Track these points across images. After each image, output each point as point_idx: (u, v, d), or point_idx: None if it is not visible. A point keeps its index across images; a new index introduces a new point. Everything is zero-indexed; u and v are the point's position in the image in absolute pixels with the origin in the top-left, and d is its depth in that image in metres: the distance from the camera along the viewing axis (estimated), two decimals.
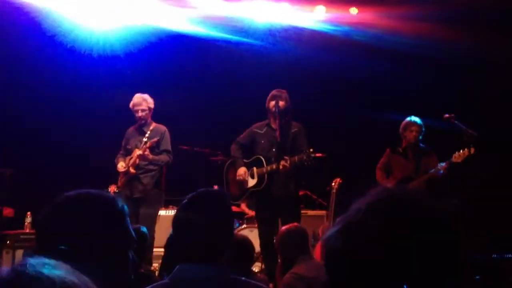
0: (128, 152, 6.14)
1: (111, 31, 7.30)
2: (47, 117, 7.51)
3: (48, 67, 7.26)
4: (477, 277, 5.28)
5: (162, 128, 6.18)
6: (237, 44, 7.55)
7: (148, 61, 7.56)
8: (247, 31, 7.55)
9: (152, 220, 5.98)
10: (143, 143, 6.05)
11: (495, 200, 6.55)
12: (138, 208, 6.02)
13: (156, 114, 6.29)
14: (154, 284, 2.01)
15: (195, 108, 7.77)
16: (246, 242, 3.78)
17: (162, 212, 7.28)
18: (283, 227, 4.02)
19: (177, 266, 1.97)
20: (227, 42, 7.52)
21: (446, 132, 5.90)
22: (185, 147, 7.42)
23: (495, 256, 5.79)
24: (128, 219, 1.52)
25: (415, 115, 6.16)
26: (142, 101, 6.10)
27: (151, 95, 6.20)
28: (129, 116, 6.24)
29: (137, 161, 5.98)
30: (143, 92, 6.19)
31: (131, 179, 6.04)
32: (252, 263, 4.43)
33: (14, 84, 7.24)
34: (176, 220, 2.04)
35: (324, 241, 0.98)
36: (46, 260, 0.79)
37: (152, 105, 6.15)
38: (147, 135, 6.11)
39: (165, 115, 6.48)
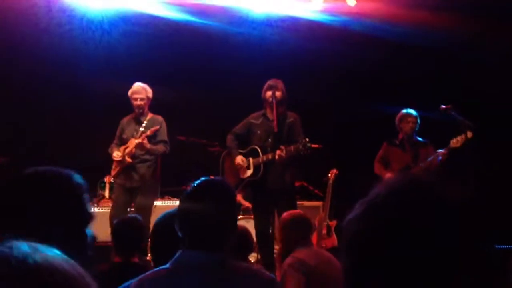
0: (123, 142, 6.10)
1: (106, 20, 7.26)
2: (41, 105, 7.48)
3: (41, 55, 7.21)
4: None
5: (160, 118, 6.15)
6: (234, 34, 7.51)
7: (144, 51, 7.51)
8: (245, 21, 7.51)
9: (148, 210, 5.96)
10: (139, 132, 6.03)
11: (488, 191, 6.55)
12: (133, 197, 6.01)
13: (153, 104, 6.26)
14: (155, 269, 2.03)
15: (191, 99, 7.73)
16: (245, 232, 3.80)
17: (158, 203, 7.28)
18: (287, 214, 3.99)
19: (179, 252, 2.00)
20: (224, 32, 7.48)
21: (443, 124, 5.90)
22: (182, 138, 7.40)
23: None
24: (86, 195, 1.52)
25: (412, 106, 6.17)
26: (142, 89, 6.06)
27: (149, 85, 6.17)
28: (123, 106, 6.19)
29: (134, 150, 5.95)
30: (139, 81, 6.16)
31: (126, 168, 6.01)
32: (250, 252, 4.44)
33: (7, 71, 7.19)
34: (182, 207, 2.07)
35: (344, 225, 0.96)
36: (32, 243, 0.77)
37: (150, 95, 6.12)
38: (143, 125, 6.07)
39: (161, 106, 6.46)
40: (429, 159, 5.88)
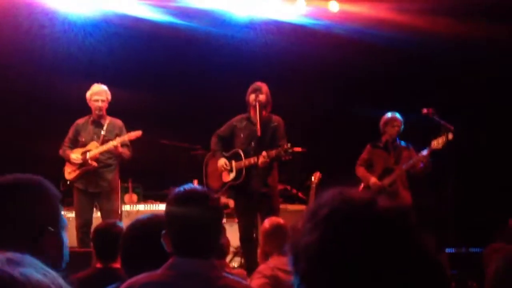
0: (78, 145, 5.94)
1: (88, 21, 7.20)
2: (22, 108, 7.39)
3: (23, 57, 7.13)
4: (454, 271, 5.35)
5: (120, 122, 6.02)
6: (217, 36, 7.49)
7: (127, 53, 7.46)
8: (228, 24, 7.49)
9: (116, 214, 5.92)
10: (101, 136, 5.88)
11: (463, 195, 6.68)
12: (94, 201, 5.91)
13: (136, 107, 6.20)
14: (148, 273, 2.01)
15: (174, 101, 7.69)
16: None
17: (141, 207, 7.23)
18: (266, 223, 4.03)
19: (171, 259, 2.01)
20: (207, 34, 7.45)
21: (425, 127, 5.94)
22: (165, 141, 7.36)
23: (463, 251, 5.96)
24: (59, 203, 1.50)
25: (395, 109, 6.20)
26: (103, 91, 5.93)
27: (130, 88, 6.11)
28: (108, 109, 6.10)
29: (98, 154, 5.83)
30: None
31: (89, 172, 5.85)
32: (225, 257, 4.47)
33: None
34: (173, 214, 2.07)
35: (299, 247, 0.96)
36: (10, 256, 0.74)
37: (110, 98, 5.98)
38: (104, 127, 5.94)
39: (144, 108, 6.41)
40: (410, 161, 5.93)
